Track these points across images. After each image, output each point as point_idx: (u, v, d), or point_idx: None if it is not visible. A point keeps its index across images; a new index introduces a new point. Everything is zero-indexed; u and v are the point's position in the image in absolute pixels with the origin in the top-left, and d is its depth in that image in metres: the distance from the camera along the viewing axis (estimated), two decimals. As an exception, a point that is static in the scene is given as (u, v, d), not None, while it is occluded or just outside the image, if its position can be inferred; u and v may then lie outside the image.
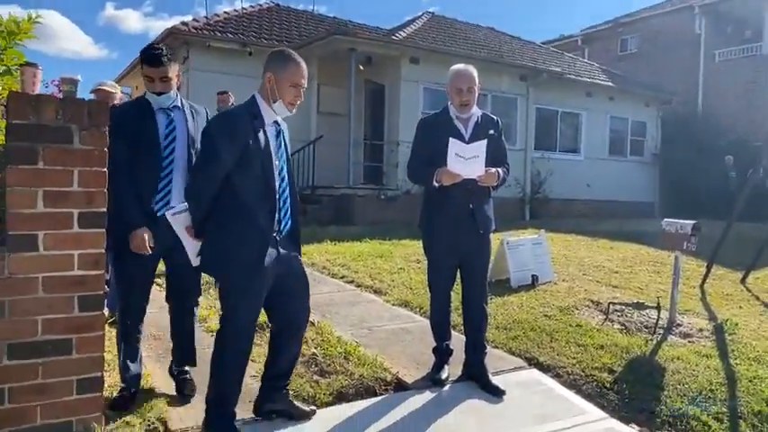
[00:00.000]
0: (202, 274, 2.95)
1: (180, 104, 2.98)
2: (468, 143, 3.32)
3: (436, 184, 3.34)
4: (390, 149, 12.26)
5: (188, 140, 2.93)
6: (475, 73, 3.46)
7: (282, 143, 2.68)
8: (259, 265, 2.54)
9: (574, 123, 15.50)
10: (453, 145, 3.22)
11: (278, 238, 2.64)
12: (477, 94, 3.48)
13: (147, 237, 2.81)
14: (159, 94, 2.87)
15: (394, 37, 12.72)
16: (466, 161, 3.24)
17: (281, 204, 2.64)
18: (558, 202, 14.32)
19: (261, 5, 14.97)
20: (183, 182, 2.87)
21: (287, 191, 2.69)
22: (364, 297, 5.41)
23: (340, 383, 3.29)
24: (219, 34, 11.56)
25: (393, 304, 5.18)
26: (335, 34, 11.36)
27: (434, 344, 3.60)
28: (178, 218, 2.66)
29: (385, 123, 12.63)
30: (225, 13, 13.28)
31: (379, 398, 3.24)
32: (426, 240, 3.62)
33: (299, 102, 2.63)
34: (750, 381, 3.65)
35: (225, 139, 2.51)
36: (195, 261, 2.69)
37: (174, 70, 2.89)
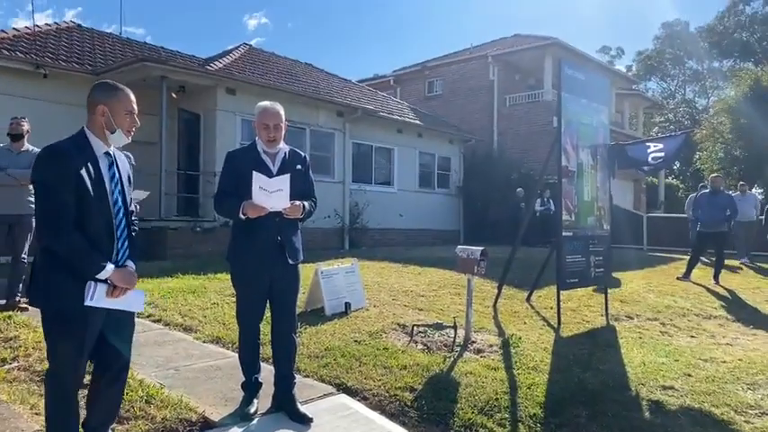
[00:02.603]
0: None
1: None
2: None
3: (243, 217, 3.36)
4: (207, 180, 11.91)
5: None
6: (281, 110, 3.55)
7: (116, 173, 2.63)
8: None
9: (387, 157, 16.46)
10: (257, 179, 3.28)
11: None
12: (284, 131, 3.56)
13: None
14: None
15: (209, 67, 12.49)
16: (270, 194, 3.30)
17: (118, 235, 2.60)
18: (375, 231, 15.01)
19: (59, 25, 13.75)
20: None
21: (123, 221, 2.63)
22: (173, 336, 5.16)
23: (139, 429, 3.11)
24: (7, 52, 10.36)
25: (204, 341, 5.02)
26: (145, 61, 10.85)
27: (244, 378, 3.57)
28: (99, 295, 2.49)
29: (201, 153, 12.27)
30: (14, 29, 11.95)
31: (183, 439, 3.12)
32: (234, 273, 3.60)
33: (134, 128, 2.68)
34: (528, 387, 4.15)
35: (56, 175, 2.43)
36: (140, 306, 2.72)
37: None
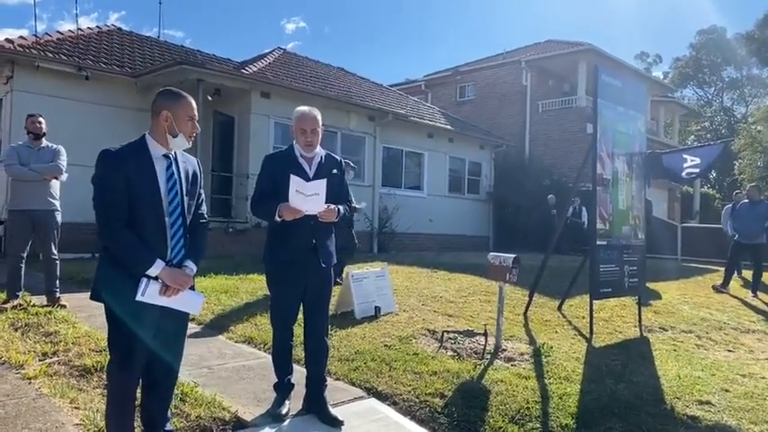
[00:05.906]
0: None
1: None
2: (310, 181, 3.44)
3: (279, 219, 3.40)
4: (240, 182, 12.10)
5: None
6: (319, 115, 3.58)
7: (175, 174, 2.69)
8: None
9: (417, 162, 16.47)
10: (294, 182, 3.32)
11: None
12: (321, 135, 3.60)
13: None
14: None
15: (244, 71, 12.67)
16: (307, 197, 3.34)
17: (172, 234, 2.65)
18: (404, 235, 15.02)
19: (101, 28, 14.13)
20: None
21: (179, 221, 2.68)
22: (206, 335, 5.25)
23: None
24: (51, 55, 10.69)
25: (236, 341, 5.09)
26: (182, 64, 11.07)
27: (276, 379, 3.62)
28: (151, 292, 2.53)
29: (234, 156, 12.47)
30: (58, 33, 12.32)
31: (216, 438, 3.17)
32: (269, 275, 3.64)
33: (195, 133, 2.77)
34: (560, 398, 4.10)
35: (106, 175, 2.54)
36: (196, 309, 2.77)
37: None
